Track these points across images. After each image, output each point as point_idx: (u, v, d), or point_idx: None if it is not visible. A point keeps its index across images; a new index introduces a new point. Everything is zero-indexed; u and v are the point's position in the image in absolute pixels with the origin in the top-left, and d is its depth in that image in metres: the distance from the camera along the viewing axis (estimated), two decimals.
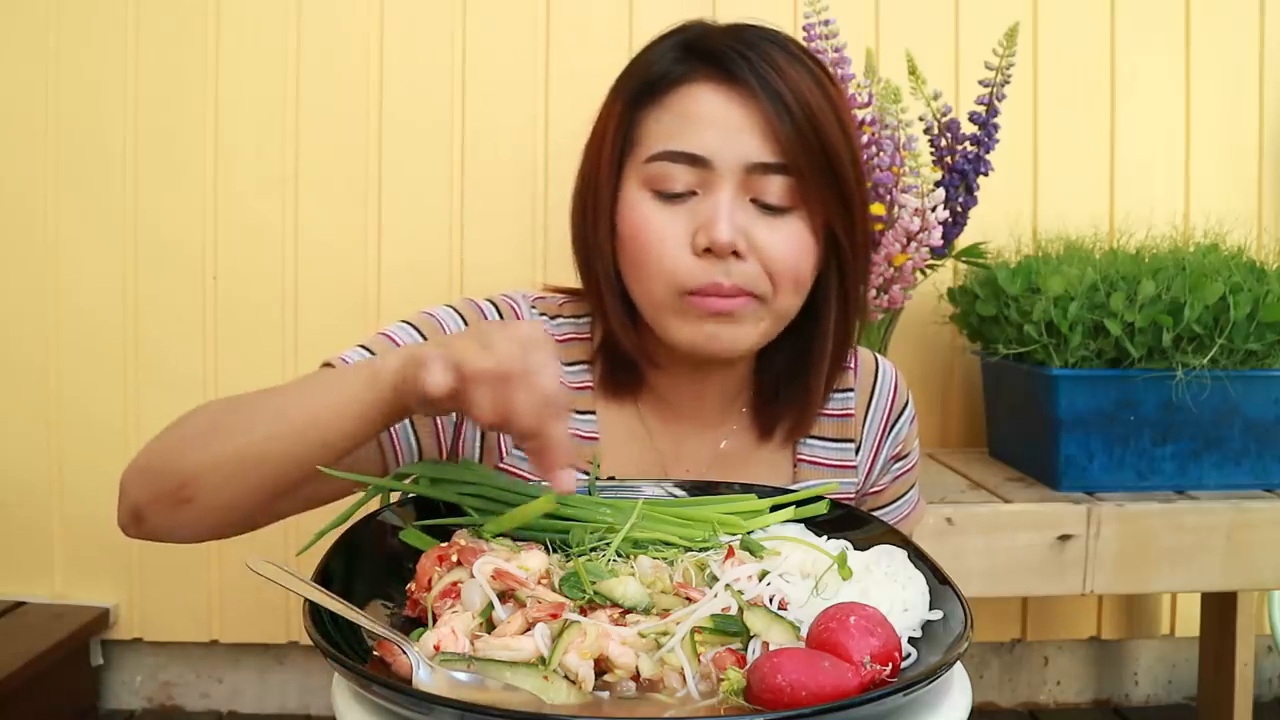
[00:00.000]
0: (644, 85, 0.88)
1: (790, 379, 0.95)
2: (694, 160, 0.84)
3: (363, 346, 0.88)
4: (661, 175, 0.85)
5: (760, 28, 0.88)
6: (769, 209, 0.84)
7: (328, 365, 0.86)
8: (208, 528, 0.76)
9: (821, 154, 0.84)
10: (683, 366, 0.93)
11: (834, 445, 0.99)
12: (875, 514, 1.02)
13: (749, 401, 0.98)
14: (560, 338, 0.95)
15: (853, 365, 1.01)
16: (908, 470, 1.06)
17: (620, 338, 0.91)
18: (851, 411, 1.00)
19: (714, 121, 0.84)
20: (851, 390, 1.00)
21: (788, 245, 0.85)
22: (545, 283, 1.02)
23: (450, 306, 0.93)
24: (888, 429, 1.02)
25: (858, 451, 1.00)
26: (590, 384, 0.94)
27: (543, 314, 0.96)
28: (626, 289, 0.90)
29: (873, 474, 1.02)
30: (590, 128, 0.92)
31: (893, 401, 1.02)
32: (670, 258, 0.84)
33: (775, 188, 0.84)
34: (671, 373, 0.94)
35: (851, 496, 1.00)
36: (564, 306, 0.97)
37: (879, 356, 1.05)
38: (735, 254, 0.83)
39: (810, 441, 0.99)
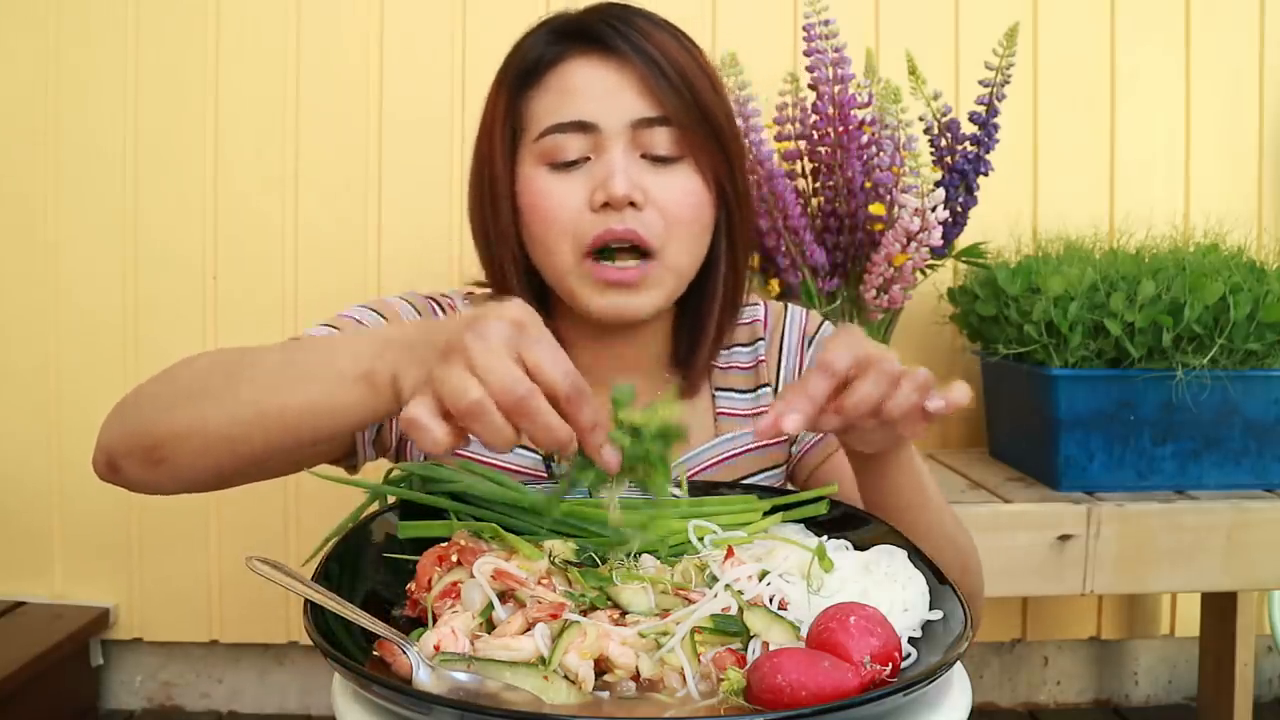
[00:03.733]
0: (523, 72, 0.92)
1: (696, 334, 0.98)
2: (582, 127, 0.88)
3: (326, 325, 0.88)
4: (553, 148, 0.89)
5: (622, 4, 0.93)
6: (659, 161, 0.89)
7: (293, 339, 0.84)
8: (182, 487, 0.75)
9: (696, 107, 0.89)
10: (594, 343, 0.96)
11: (749, 395, 1.03)
12: (819, 444, 1.03)
13: (669, 369, 1.01)
14: None
15: (763, 319, 1.05)
16: None
17: None
18: (763, 359, 1.03)
19: (594, 89, 0.89)
20: (762, 340, 1.04)
21: (681, 192, 0.89)
22: (470, 279, 1.04)
23: (403, 299, 0.96)
24: (804, 348, 1.05)
25: (776, 391, 1.03)
26: None
27: (474, 306, 0.98)
28: (534, 268, 0.93)
29: None
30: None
31: (804, 329, 1.05)
32: (572, 219, 0.88)
33: (661, 139, 0.89)
34: (584, 348, 0.96)
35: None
36: (490, 300, 0.98)
37: (792, 305, 1.08)
38: (633, 205, 0.87)
39: (728, 394, 1.02)
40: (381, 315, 0.92)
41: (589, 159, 0.89)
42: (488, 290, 1.00)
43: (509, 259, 0.93)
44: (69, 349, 1.86)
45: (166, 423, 0.72)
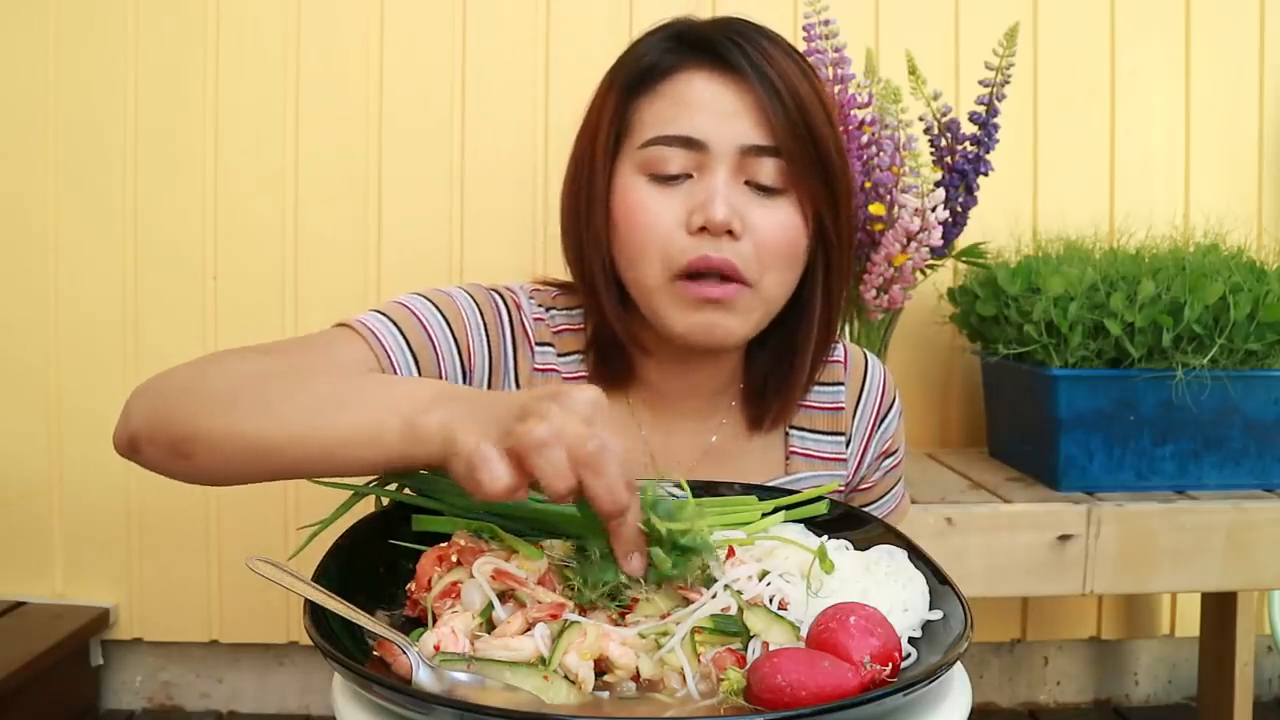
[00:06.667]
0: (637, 75, 0.89)
1: (777, 370, 0.96)
2: (689, 143, 0.85)
3: (380, 313, 0.87)
4: (657, 159, 0.86)
5: (747, 20, 0.90)
6: (762, 190, 0.86)
7: (343, 326, 0.86)
8: (204, 481, 0.74)
9: (810, 139, 0.86)
10: (673, 356, 0.94)
11: (825, 438, 1.01)
12: (864, 509, 1.04)
13: (738, 395, 0.99)
14: (556, 329, 0.96)
15: (843, 360, 1.03)
16: (895, 466, 1.08)
17: (613, 323, 0.92)
18: (842, 405, 1.01)
19: (708, 106, 0.86)
20: (842, 384, 1.02)
21: (780, 225, 0.87)
22: (538, 276, 1.02)
23: (465, 290, 0.94)
24: (877, 424, 1.03)
25: (848, 445, 1.01)
26: (585, 374, 0.95)
27: (540, 304, 0.97)
28: (620, 277, 0.91)
29: (861, 468, 1.04)
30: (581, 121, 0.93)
31: (882, 397, 1.04)
32: (665, 238, 0.86)
33: (768, 170, 0.86)
34: (662, 363, 0.95)
35: (841, 490, 1.01)
36: (557, 299, 0.98)
37: (869, 354, 1.06)
38: (730, 233, 0.85)
39: (802, 433, 1.00)
40: (437, 306, 0.90)
41: (690, 176, 0.86)
42: (554, 290, 0.98)
43: (598, 264, 0.90)
44: (69, 349, 1.86)
45: (201, 422, 0.70)
